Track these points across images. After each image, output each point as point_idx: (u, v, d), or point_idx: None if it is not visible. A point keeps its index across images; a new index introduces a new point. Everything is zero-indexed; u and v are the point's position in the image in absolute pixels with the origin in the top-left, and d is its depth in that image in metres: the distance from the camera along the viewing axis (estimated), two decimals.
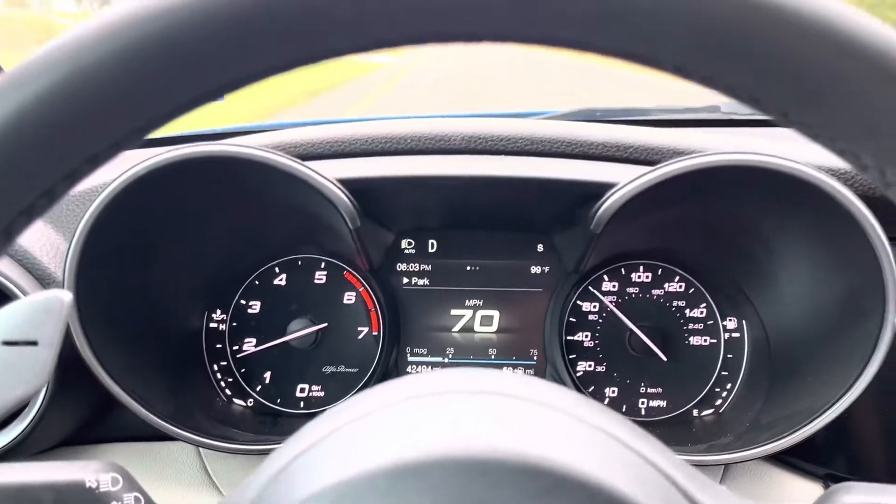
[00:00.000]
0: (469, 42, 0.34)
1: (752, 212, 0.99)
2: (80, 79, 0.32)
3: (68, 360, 0.83)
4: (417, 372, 1.24)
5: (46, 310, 0.61)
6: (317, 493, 0.40)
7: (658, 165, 0.90)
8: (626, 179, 0.92)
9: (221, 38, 0.32)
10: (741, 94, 0.34)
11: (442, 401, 0.45)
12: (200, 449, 1.15)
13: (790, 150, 0.91)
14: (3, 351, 0.58)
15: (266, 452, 1.03)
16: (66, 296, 0.62)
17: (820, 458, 1.14)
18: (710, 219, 1.06)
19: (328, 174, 0.94)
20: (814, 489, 1.13)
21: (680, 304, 1.20)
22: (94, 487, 0.63)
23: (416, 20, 0.32)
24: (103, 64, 0.32)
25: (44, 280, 1.00)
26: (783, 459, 1.15)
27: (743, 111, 1.58)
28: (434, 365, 1.24)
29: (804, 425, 0.98)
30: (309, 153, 1.07)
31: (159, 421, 1.00)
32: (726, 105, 1.61)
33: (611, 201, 0.93)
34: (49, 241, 1.04)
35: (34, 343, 0.59)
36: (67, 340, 0.78)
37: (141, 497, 0.66)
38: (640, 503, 0.39)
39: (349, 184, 0.96)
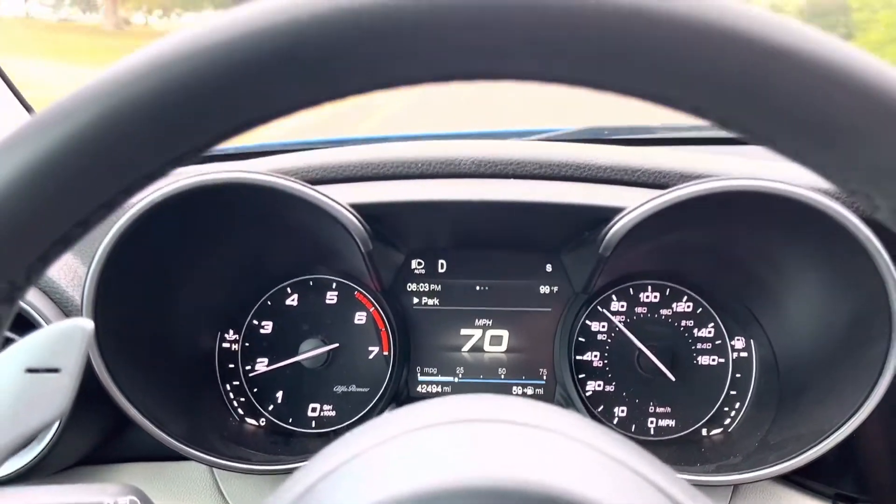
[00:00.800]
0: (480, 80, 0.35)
1: (760, 235, 1.00)
2: (118, 113, 0.33)
3: (85, 381, 0.84)
4: (428, 391, 1.25)
5: (68, 338, 0.62)
6: None
7: (667, 190, 0.92)
8: (635, 203, 0.94)
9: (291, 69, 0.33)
10: (760, 137, 0.35)
11: (465, 429, 0.46)
12: (214, 469, 1.16)
13: (798, 174, 0.92)
14: (25, 378, 0.59)
15: (279, 472, 1.04)
16: (87, 324, 0.63)
17: (829, 478, 1.14)
18: (718, 241, 1.07)
19: (340, 199, 0.96)
20: None
21: (688, 323, 1.21)
22: None
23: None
24: (140, 101, 0.33)
25: (62, 304, 1.02)
26: (792, 479, 1.15)
27: None
28: (444, 384, 1.25)
29: (813, 446, 0.99)
30: (320, 178, 1.09)
31: (174, 442, 1.01)
32: None
33: (619, 225, 0.94)
34: (68, 266, 1.06)
35: (56, 370, 0.60)
36: (85, 362, 0.79)
37: None
38: None
39: (361, 209, 0.98)
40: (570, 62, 0.33)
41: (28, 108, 1.20)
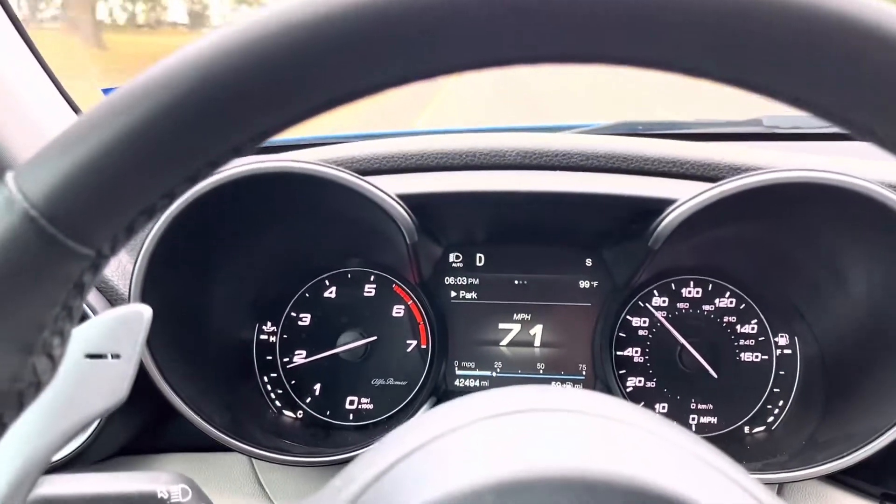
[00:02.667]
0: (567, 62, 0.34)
1: (813, 228, 0.99)
2: (210, 83, 0.33)
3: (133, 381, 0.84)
4: (466, 385, 1.24)
5: (127, 324, 0.62)
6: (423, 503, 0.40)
7: (721, 182, 0.90)
8: (686, 196, 0.92)
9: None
10: (859, 128, 0.34)
11: (547, 418, 0.45)
12: (253, 460, 1.16)
13: (845, 165, 0.90)
14: (84, 364, 0.59)
15: (320, 465, 1.03)
16: (146, 310, 0.63)
17: (875, 477, 1.12)
18: (768, 236, 1.05)
19: (388, 189, 0.95)
20: None
21: (731, 319, 1.19)
22: (166, 499, 0.64)
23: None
24: (236, 70, 0.32)
25: (107, 294, 1.02)
26: (837, 477, 1.13)
27: (786, 125, 1.57)
28: (482, 379, 1.24)
29: (864, 445, 0.97)
30: (366, 168, 1.08)
31: (217, 432, 1.01)
32: (769, 119, 1.60)
33: (671, 217, 0.92)
34: (115, 257, 1.06)
35: (116, 356, 0.60)
36: None
37: None
38: None
39: (408, 199, 0.97)
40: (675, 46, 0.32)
41: (76, 109, 1.21)
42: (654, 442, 0.44)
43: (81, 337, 0.59)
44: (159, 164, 0.34)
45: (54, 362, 0.38)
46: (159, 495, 0.65)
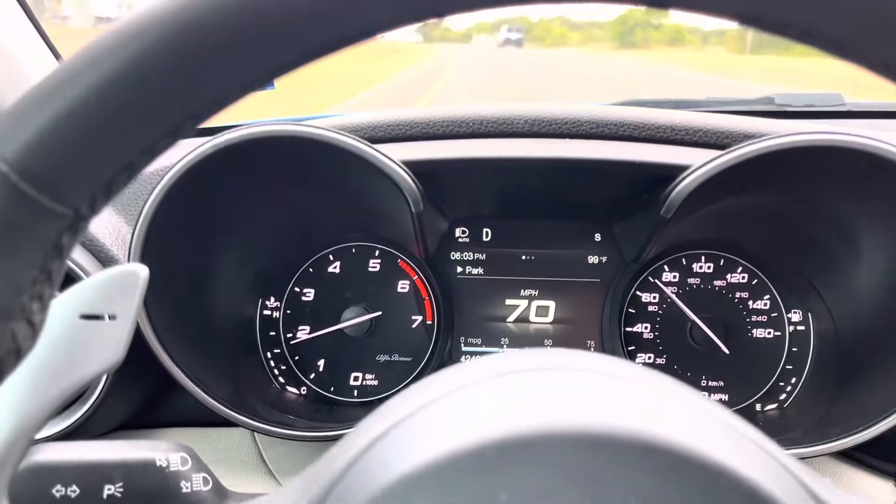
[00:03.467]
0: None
1: (829, 197, 0.96)
2: (187, 34, 0.31)
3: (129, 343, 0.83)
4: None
5: (123, 284, 0.60)
6: (422, 465, 0.38)
7: (735, 147, 0.87)
8: (700, 161, 0.90)
9: None
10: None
11: (550, 376, 0.43)
12: (256, 435, 1.14)
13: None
14: (79, 324, 0.57)
15: (323, 440, 1.02)
16: (142, 270, 0.61)
17: (889, 454, 1.10)
18: (783, 205, 1.02)
19: (393, 156, 0.93)
20: (883, 486, 1.09)
21: (743, 295, 1.17)
22: (165, 466, 0.63)
23: None
24: (207, 23, 0.31)
25: (106, 262, 1.01)
26: (851, 455, 1.11)
27: (798, 103, 1.54)
28: (489, 355, 1.22)
29: (878, 421, 0.95)
30: (373, 136, 1.06)
31: (219, 405, 0.99)
32: (780, 97, 1.57)
33: (685, 183, 0.90)
34: (111, 223, 1.04)
35: (111, 317, 0.58)
36: None
37: (209, 478, 0.65)
38: (762, 487, 0.37)
39: (414, 166, 0.95)
40: None
41: (56, 55, 1.19)
42: (665, 399, 0.42)
43: (76, 297, 0.58)
44: (136, 116, 0.33)
45: (34, 329, 0.37)
46: (158, 463, 0.64)
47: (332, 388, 1.21)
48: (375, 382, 1.21)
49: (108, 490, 0.60)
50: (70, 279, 0.95)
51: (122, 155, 0.34)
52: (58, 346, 0.56)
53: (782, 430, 1.09)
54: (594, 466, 0.37)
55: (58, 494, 0.58)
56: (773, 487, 0.37)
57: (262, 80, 0.34)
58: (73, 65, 0.32)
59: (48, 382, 0.55)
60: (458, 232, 1.22)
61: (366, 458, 0.41)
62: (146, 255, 0.92)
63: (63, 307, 0.57)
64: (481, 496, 0.36)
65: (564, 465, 0.37)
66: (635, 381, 0.44)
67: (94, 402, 0.98)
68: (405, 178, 0.93)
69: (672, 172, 0.92)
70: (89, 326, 0.58)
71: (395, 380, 1.20)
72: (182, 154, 0.90)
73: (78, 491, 0.59)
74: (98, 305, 0.58)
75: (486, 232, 1.22)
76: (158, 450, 0.64)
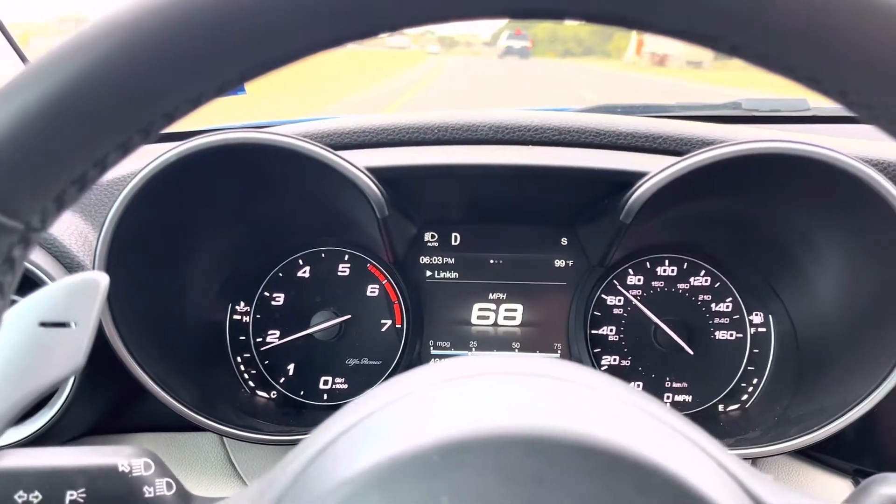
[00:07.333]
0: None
1: (786, 203, 0.98)
2: (135, 47, 0.32)
3: (95, 348, 0.83)
4: None
5: (82, 292, 0.61)
6: (366, 469, 0.39)
7: (691, 154, 0.89)
8: (657, 168, 0.92)
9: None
10: (799, 74, 0.33)
11: (492, 380, 0.44)
12: (225, 439, 1.15)
13: (825, 143, 0.90)
14: (38, 332, 0.58)
15: (291, 443, 1.02)
16: (102, 278, 0.62)
17: (848, 454, 1.12)
18: (740, 211, 1.05)
19: (357, 163, 0.94)
20: (842, 485, 1.12)
21: (706, 298, 1.19)
22: (127, 472, 0.63)
23: None
24: (155, 34, 0.32)
25: (72, 268, 1.01)
26: (811, 455, 1.14)
27: (764, 108, 1.58)
28: None
29: (833, 420, 0.97)
30: (338, 143, 1.07)
31: (186, 410, 0.99)
32: (748, 101, 1.60)
33: (642, 190, 0.92)
34: (77, 229, 1.04)
35: (70, 324, 0.59)
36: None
37: (172, 482, 0.66)
38: (693, 485, 0.38)
39: (378, 172, 0.96)
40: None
41: (23, 58, 1.18)
42: (604, 399, 0.43)
43: (36, 305, 0.58)
44: (85, 130, 0.33)
45: None
46: (120, 468, 0.64)
47: (301, 392, 1.22)
48: (345, 386, 1.22)
49: (71, 496, 0.60)
50: (35, 285, 0.95)
51: (73, 168, 0.34)
52: (16, 354, 0.56)
53: (744, 430, 1.11)
54: (534, 468, 0.38)
55: (20, 500, 0.58)
56: (707, 486, 0.39)
57: (210, 96, 0.34)
58: (21, 78, 0.32)
59: (7, 390, 0.56)
60: (427, 236, 1.23)
61: (316, 464, 0.42)
62: (111, 260, 0.93)
63: (22, 315, 0.58)
64: (424, 499, 0.37)
65: (505, 467, 0.38)
66: (574, 382, 0.45)
67: (60, 408, 0.98)
68: (369, 184, 0.94)
69: (630, 179, 0.94)
70: (49, 334, 0.58)
71: (364, 383, 1.21)
72: (146, 161, 0.90)
73: (40, 497, 0.59)
74: (58, 313, 0.59)
75: (455, 236, 1.23)
76: (121, 455, 0.64)
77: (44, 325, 0.58)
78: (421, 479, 0.38)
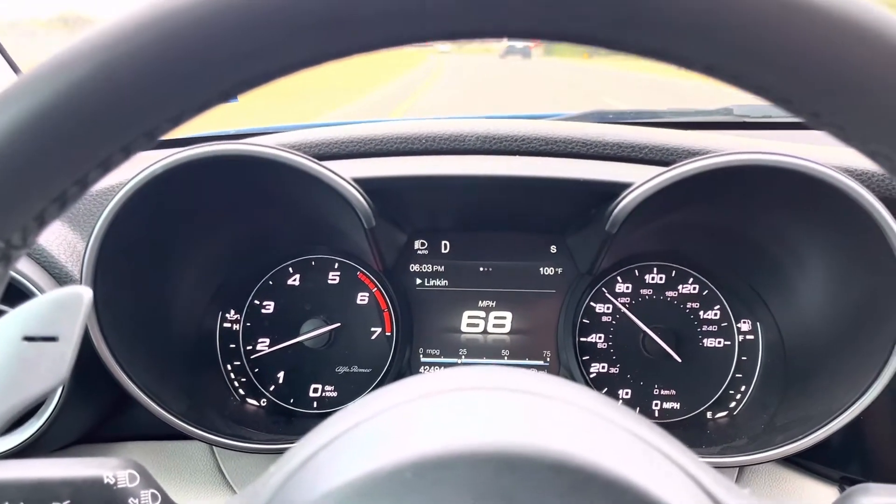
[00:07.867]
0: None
1: (769, 213, 0.99)
2: (115, 68, 0.32)
3: (84, 358, 0.84)
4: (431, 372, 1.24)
5: (66, 306, 0.61)
6: (342, 485, 0.39)
7: (674, 165, 0.90)
8: (642, 179, 0.92)
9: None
10: (773, 95, 0.33)
11: (467, 396, 0.45)
12: (214, 448, 1.15)
13: (807, 153, 0.91)
14: (22, 346, 0.58)
15: (280, 452, 1.03)
16: (86, 292, 0.62)
17: (835, 461, 1.13)
18: (726, 220, 1.05)
19: (344, 174, 0.95)
20: (829, 492, 1.12)
21: (694, 305, 1.20)
22: (112, 484, 0.63)
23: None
24: (136, 57, 0.32)
25: (60, 279, 1.01)
26: (798, 462, 1.14)
27: (755, 114, 1.58)
28: (447, 366, 1.24)
29: (819, 428, 0.98)
30: (325, 153, 1.07)
31: (174, 419, 1.00)
32: (739, 108, 1.61)
33: (626, 201, 0.92)
34: (66, 240, 1.04)
35: (54, 339, 0.59)
36: (84, 338, 0.78)
37: (158, 494, 0.66)
38: (666, 502, 0.38)
39: (364, 183, 0.96)
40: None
41: (15, 69, 1.19)
42: (578, 416, 0.43)
43: (19, 319, 0.58)
44: (66, 148, 0.33)
45: None
46: (105, 480, 0.64)
47: (291, 400, 1.22)
48: (335, 394, 1.22)
49: None
50: (24, 296, 0.96)
51: (53, 186, 0.34)
52: (1, 368, 0.57)
53: (731, 438, 1.11)
54: (506, 486, 0.38)
55: None
56: (679, 502, 0.39)
57: (190, 115, 0.35)
58: (1, 98, 0.33)
59: None
60: (417, 244, 1.23)
61: (295, 479, 0.43)
62: (99, 271, 0.93)
63: (6, 329, 0.58)
64: None
65: (479, 485, 0.38)
66: (552, 398, 0.45)
67: (48, 418, 0.98)
68: (355, 194, 0.95)
69: (616, 189, 0.95)
70: (33, 347, 0.59)
71: (354, 391, 1.22)
72: (134, 172, 0.91)
73: None
74: (41, 327, 0.59)
75: (445, 244, 1.24)
76: (106, 467, 0.64)
77: (28, 339, 0.59)
78: (394, 496, 0.38)
